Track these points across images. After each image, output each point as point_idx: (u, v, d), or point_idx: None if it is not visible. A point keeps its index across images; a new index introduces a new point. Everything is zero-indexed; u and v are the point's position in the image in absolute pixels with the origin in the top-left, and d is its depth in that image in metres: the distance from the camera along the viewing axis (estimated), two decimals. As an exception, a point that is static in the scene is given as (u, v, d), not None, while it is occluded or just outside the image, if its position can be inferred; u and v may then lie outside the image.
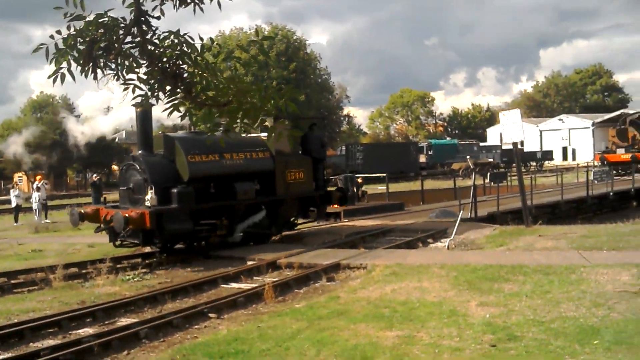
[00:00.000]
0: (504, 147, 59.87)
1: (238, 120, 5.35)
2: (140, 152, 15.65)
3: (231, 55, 5.88)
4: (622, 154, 42.96)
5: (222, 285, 12.37)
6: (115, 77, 5.17)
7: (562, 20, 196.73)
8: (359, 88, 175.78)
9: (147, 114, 15.56)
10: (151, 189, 14.73)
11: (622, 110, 65.40)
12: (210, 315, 9.92)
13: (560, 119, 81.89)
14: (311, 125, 19.56)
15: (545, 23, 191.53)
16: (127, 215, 14.11)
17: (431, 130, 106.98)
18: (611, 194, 28.03)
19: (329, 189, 20.13)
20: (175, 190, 14.73)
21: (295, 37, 60.15)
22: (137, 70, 5.17)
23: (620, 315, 8.42)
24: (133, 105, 13.23)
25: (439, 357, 7.20)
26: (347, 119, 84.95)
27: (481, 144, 71.94)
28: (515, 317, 8.61)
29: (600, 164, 43.77)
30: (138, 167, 15.28)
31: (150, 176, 14.95)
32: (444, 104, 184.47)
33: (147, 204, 14.63)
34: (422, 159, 59.89)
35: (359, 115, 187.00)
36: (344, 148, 55.00)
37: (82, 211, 16.14)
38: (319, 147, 18.83)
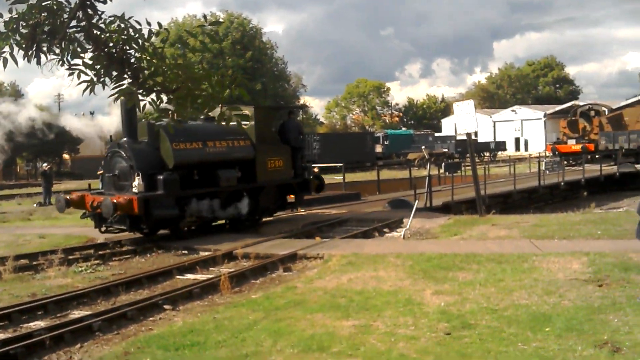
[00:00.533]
0: (458, 137, 60.67)
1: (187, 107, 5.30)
2: (124, 139, 15.76)
3: (179, 40, 5.79)
4: (572, 145, 43.90)
5: (178, 277, 12.22)
6: (60, 62, 5.03)
7: (514, 12, 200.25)
8: (315, 78, 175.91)
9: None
10: (138, 175, 15.02)
11: (573, 102, 66.89)
12: (166, 306, 9.79)
13: (513, 110, 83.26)
14: (289, 114, 19.87)
15: (498, 15, 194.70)
16: (115, 201, 14.41)
17: (387, 121, 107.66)
18: (562, 183, 28.65)
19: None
20: (162, 177, 15.11)
21: (251, 26, 59.67)
22: (82, 55, 5.04)
23: (570, 303, 8.62)
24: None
25: (395, 346, 7.25)
26: (303, 108, 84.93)
27: (436, 134, 72.73)
28: (469, 306, 8.74)
29: (551, 154, 44.65)
30: (124, 154, 15.51)
31: (136, 163, 15.24)
32: (399, 94, 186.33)
33: (135, 190, 14.93)
34: (378, 149, 60.17)
35: (316, 105, 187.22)
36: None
37: (68, 197, 16.17)
38: (297, 135, 19.11)
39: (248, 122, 16.34)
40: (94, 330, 8.54)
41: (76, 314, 9.65)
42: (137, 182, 15.01)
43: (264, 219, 18.96)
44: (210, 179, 16.40)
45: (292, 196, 19.74)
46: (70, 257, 14.37)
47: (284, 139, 18.75)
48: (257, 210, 18.03)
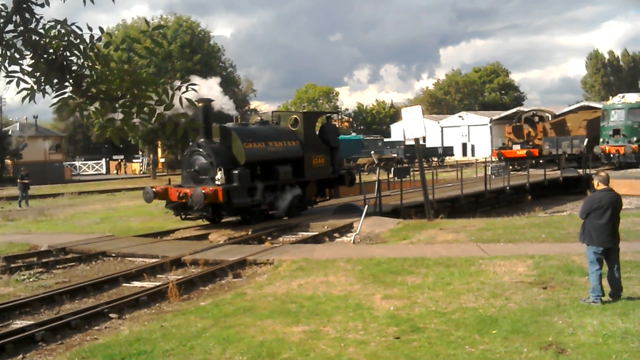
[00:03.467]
0: (407, 142, 61.21)
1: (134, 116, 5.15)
2: (202, 140, 18.39)
3: (123, 45, 5.61)
4: (517, 150, 44.76)
5: (124, 284, 11.99)
6: None
7: (460, 20, 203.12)
8: (264, 82, 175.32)
9: (208, 108, 18.54)
10: (220, 170, 17.63)
11: (517, 108, 68.33)
12: (111, 315, 9.59)
13: (460, 116, 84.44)
14: (327, 118, 23.20)
15: (445, 22, 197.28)
16: (204, 191, 16.85)
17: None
18: (508, 188, 29.18)
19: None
20: (237, 172, 17.87)
21: (199, 29, 59.03)
22: (20, 61, 4.86)
23: (516, 305, 8.78)
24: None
25: (345, 351, 7.26)
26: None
27: (385, 139, 73.26)
28: (418, 309, 8.82)
29: (497, 159, 45.49)
30: (203, 152, 18.21)
31: (216, 160, 17.93)
32: (348, 99, 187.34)
33: (217, 182, 17.50)
34: (329, 154, 60.02)
35: (265, 110, 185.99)
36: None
37: (154, 190, 18.48)
38: (335, 136, 21.99)
39: (298, 126, 20.58)
40: (37, 341, 8.32)
41: (18, 323, 9.36)
42: (219, 176, 17.57)
43: (308, 208, 21.78)
44: (270, 173, 19.24)
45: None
46: (13, 265, 13.94)
47: (324, 140, 21.51)
48: (304, 200, 20.90)
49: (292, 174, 19.77)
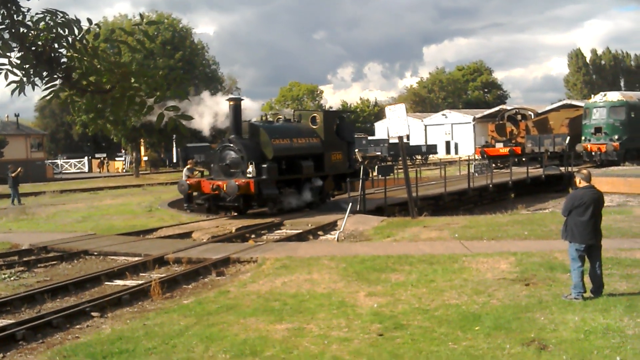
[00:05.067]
0: (391, 141, 61.30)
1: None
2: (232, 136, 19.98)
3: (112, 37, 5.53)
4: (500, 148, 45.00)
5: (106, 283, 11.89)
6: None
7: (443, 18, 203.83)
8: (248, 80, 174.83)
9: (238, 107, 20.08)
10: (251, 163, 19.08)
11: (500, 106, 68.57)
12: (93, 314, 9.52)
13: (443, 114, 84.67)
14: (341, 116, 24.70)
15: (427, 21, 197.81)
16: (237, 183, 18.42)
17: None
18: (491, 186, 29.32)
19: None
20: (265, 165, 19.43)
21: (181, 26, 58.57)
22: (8, 54, 4.80)
23: (499, 302, 8.83)
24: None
25: (328, 348, 7.25)
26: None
27: (369, 137, 73.33)
28: (401, 306, 8.83)
29: (480, 157, 45.68)
30: (235, 147, 19.77)
31: (247, 154, 19.43)
32: (332, 97, 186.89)
33: (249, 175, 19.01)
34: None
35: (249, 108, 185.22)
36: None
37: (189, 182, 20.26)
38: (350, 133, 23.91)
39: (317, 124, 22.13)
40: (18, 340, 8.23)
41: (-2, 323, 9.26)
42: (251, 169, 19.04)
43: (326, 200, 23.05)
44: (294, 168, 20.79)
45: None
46: (-7, 264, 13.80)
47: (340, 136, 22.94)
48: (323, 193, 22.41)
49: (313, 168, 21.28)
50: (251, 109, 22.25)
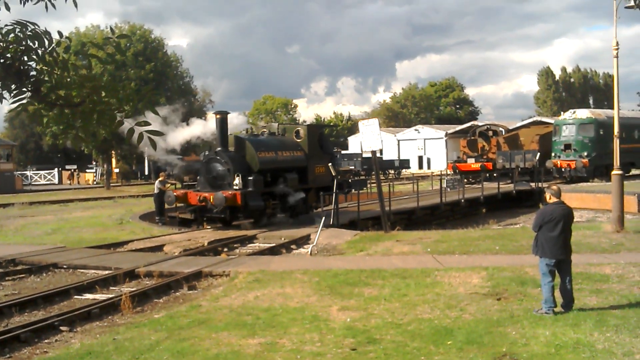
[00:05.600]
0: (364, 155, 61.52)
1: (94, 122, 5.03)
2: (219, 149, 20.40)
3: (83, 50, 5.46)
4: (472, 164, 45.37)
5: (76, 297, 11.71)
6: None
7: (415, 34, 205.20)
8: (221, 93, 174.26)
9: (224, 120, 20.66)
10: (238, 176, 19.53)
11: (472, 122, 69.30)
12: (62, 328, 9.36)
13: (416, 129, 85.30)
14: (322, 129, 25.40)
15: (400, 37, 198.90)
16: (225, 195, 18.79)
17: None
18: (462, 201, 29.56)
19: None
20: (252, 178, 19.83)
21: (153, 37, 58.17)
22: None
23: (471, 316, 8.87)
24: None
25: (301, 363, 7.21)
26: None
27: (343, 152, 73.53)
28: (374, 321, 8.83)
29: (452, 172, 46.04)
30: (221, 160, 20.20)
31: (233, 167, 19.91)
32: (306, 111, 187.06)
33: (235, 187, 19.42)
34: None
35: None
36: (207, 153, 54.06)
37: (175, 195, 20.49)
38: (332, 146, 24.15)
39: (302, 137, 22.73)
40: (-17, 355, 8.04)
41: (-37, 338, 9.04)
42: (237, 181, 19.47)
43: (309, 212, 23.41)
44: (279, 180, 21.04)
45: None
46: (-42, 277, 13.51)
47: (324, 150, 23.61)
48: (307, 205, 22.76)
49: (297, 180, 21.63)
50: (238, 122, 22.81)
